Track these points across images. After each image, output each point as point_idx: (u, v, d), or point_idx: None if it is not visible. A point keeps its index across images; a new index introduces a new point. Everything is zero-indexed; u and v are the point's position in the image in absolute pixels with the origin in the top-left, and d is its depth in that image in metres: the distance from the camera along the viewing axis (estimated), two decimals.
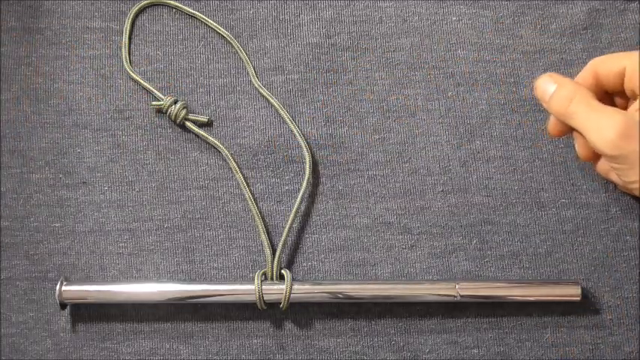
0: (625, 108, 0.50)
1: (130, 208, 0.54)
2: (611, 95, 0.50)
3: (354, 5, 0.57)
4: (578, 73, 0.50)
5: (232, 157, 0.54)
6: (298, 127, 0.55)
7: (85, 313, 0.52)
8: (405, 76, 0.56)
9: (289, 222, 0.52)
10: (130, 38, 0.57)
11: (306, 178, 0.53)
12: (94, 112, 0.56)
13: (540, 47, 0.56)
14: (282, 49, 0.57)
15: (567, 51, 0.56)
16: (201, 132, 0.55)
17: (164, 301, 0.51)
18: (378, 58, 0.56)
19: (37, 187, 0.54)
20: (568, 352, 0.51)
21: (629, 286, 0.52)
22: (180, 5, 0.58)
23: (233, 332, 0.52)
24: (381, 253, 0.53)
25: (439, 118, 0.55)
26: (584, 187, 0.54)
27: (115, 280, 0.53)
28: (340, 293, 0.51)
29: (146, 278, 0.53)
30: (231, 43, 0.57)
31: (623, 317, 0.52)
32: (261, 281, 0.51)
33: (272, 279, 0.52)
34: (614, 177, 0.50)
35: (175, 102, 0.55)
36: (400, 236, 0.53)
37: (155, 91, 0.55)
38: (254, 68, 0.56)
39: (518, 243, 0.53)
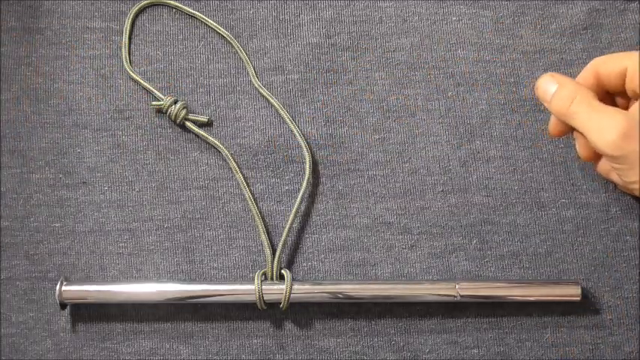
0: (626, 108, 0.49)
1: (130, 208, 0.54)
2: (612, 95, 0.50)
3: (354, 5, 0.57)
4: (578, 73, 0.50)
5: (232, 157, 0.54)
6: (298, 127, 0.55)
7: (85, 313, 0.52)
8: (405, 76, 0.56)
9: (289, 222, 0.52)
10: (130, 38, 0.57)
11: (306, 178, 0.53)
12: (94, 112, 0.56)
13: (540, 47, 0.56)
14: (282, 49, 0.57)
15: (567, 51, 0.56)
16: (201, 132, 0.55)
17: (164, 301, 0.51)
18: (378, 58, 0.56)
19: (37, 187, 0.54)
20: (568, 352, 0.51)
21: (629, 286, 0.52)
22: (180, 5, 0.58)
23: (233, 332, 0.52)
24: (381, 253, 0.53)
25: (439, 118, 0.55)
26: (584, 187, 0.54)
27: (115, 280, 0.53)
28: (340, 293, 0.51)
29: (146, 278, 0.53)
30: (231, 43, 0.57)
31: (623, 317, 0.52)
32: (261, 281, 0.51)
33: (272, 279, 0.52)
34: (614, 177, 0.50)
35: (175, 102, 0.55)
36: (400, 236, 0.53)
37: (155, 91, 0.55)
38: (254, 68, 0.56)
39: (518, 243, 0.53)
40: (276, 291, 0.50)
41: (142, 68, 0.57)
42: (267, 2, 0.58)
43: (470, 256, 0.53)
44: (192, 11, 0.57)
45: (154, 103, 0.55)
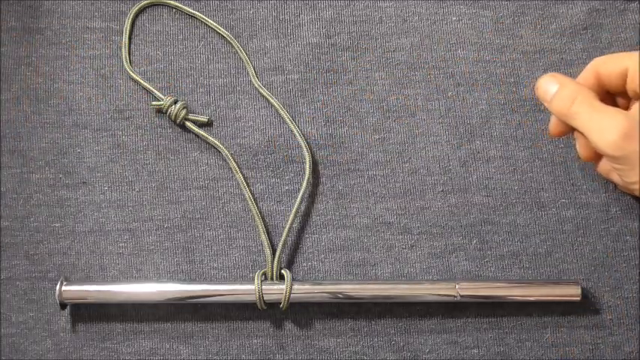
0: (626, 108, 0.49)
1: (130, 208, 0.54)
2: (612, 95, 0.50)
3: (354, 5, 0.57)
4: (578, 73, 0.50)
5: (232, 157, 0.54)
6: (298, 127, 0.55)
7: (85, 313, 0.52)
8: (405, 76, 0.56)
9: (289, 222, 0.52)
10: (130, 38, 0.57)
11: (306, 178, 0.53)
12: (94, 112, 0.56)
13: (540, 47, 0.56)
14: (282, 49, 0.57)
15: (567, 51, 0.56)
16: (201, 132, 0.55)
17: (164, 301, 0.51)
18: (378, 58, 0.56)
19: (37, 187, 0.54)
20: (568, 352, 0.51)
21: (629, 286, 0.52)
22: (180, 5, 0.58)
23: (233, 332, 0.52)
24: (381, 253, 0.53)
25: (439, 118, 0.55)
26: (584, 187, 0.54)
27: (115, 280, 0.53)
28: (340, 293, 0.51)
29: (146, 278, 0.53)
30: (231, 43, 0.57)
31: (623, 317, 0.52)
32: (261, 281, 0.51)
33: (272, 279, 0.52)
34: (615, 177, 0.50)
35: (175, 102, 0.55)
36: (400, 236, 0.53)
37: (155, 91, 0.55)
38: (254, 68, 0.56)
39: (518, 243, 0.53)
40: (276, 291, 0.50)
41: (142, 68, 0.57)
42: (267, 2, 0.58)
43: (470, 256, 0.53)
44: (192, 11, 0.57)
45: (154, 103, 0.55)
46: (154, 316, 0.52)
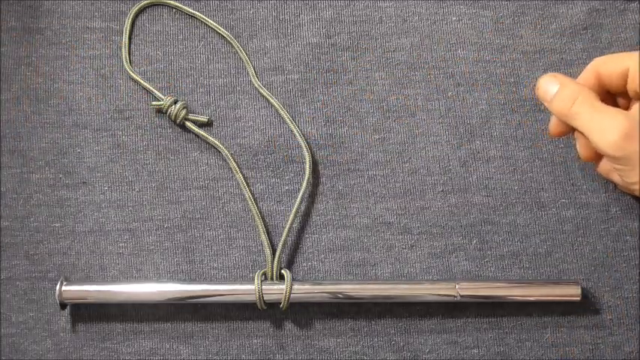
0: (627, 108, 0.49)
1: (130, 208, 0.54)
2: (613, 95, 0.50)
3: (354, 5, 0.57)
4: (578, 73, 0.50)
5: (232, 157, 0.54)
6: (298, 127, 0.55)
7: (85, 313, 0.52)
8: (405, 76, 0.56)
9: (289, 222, 0.52)
10: (130, 38, 0.57)
11: (306, 178, 0.53)
12: (94, 112, 0.56)
13: (540, 47, 0.56)
14: (282, 49, 0.57)
15: (567, 51, 0.56)
16: (201, 132, 0.55)
17: (164, 301, 0.51)
18: (378, 58, 0.56)
19: (37, 187, 0.54)
20: (568, 352, 0.51)
21: (629, 286, 0.52)
22: (180, 5, 0.58)
23: (233, 332, 0.52)
24: (381, 253, 0.53)
25: (439, 118, 0.55)
26: (584, 187, 0.54)
27: (115, 280, 0.53)
28: (340, 293, 0.51)
29: (146, 278, 0.53)
30: (231, 43, 0.57)
31: (623, 317, 0.52)
32: (261, 281, 0.51)
33: (272, 279, 0.52)
34: (615, 177, 0.50)
35: (175, 102, 0.55)
36: (400, 236, 0.53)
37: (155, 91, 0.55)
38: (254, 68, 0.56)
39: (518, 243, 0.53)
40: (276, 291, 0.50)
41: (142, 68, 0.57)
42: (267, 2, 0.58)
43: (470, 256, 0.53)
44: (192, 11, 0.57)
45: (154, 103, 0.55)
46: (154, 316, 0.52)
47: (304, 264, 0.53)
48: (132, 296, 0.51)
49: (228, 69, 0.57)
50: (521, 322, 0.52)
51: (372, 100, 0.56)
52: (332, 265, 0.53)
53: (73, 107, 0.56)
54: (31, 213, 0.54)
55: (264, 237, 0.52)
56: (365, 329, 0.52)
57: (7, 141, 0.55)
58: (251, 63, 0.56)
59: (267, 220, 0.54)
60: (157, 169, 0.55)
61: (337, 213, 0.54)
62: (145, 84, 0.56)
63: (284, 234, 0.52)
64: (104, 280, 0.53)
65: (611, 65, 0.48)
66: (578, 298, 0.50)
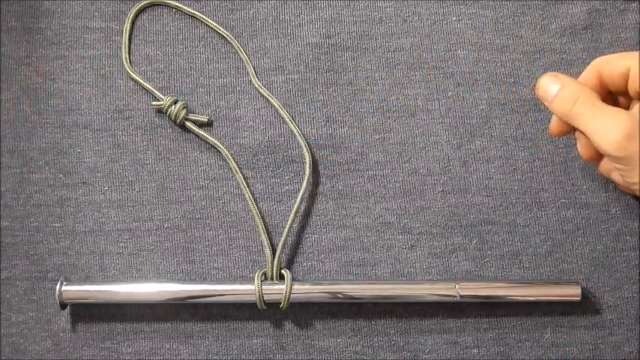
0: (627, 108, 0.49)
1: (130, 208, 0.54)
2: (613, 95, 0.50)
3: (354, 5, 0.57)
4: (578, 73, 0.50)
5: (232, 157, 0.54)
6: (298, 127, 0.55)
7: (85, 313, 0.52)
8: (405, 76, 0.56)
9: (289, 222, 0.52)
10: (130, 38, 0.57)
11: (306, 178, 0.53)
12: (94, 112, 0.56)
13: (540, 47, 0.56)
14: (282, 49, 0.57)
15: (567, 51, 0.56)
16: (201, 132, 0.55)
17: (164, 301, 0.51)
18: (378, 58, 0.56)
19: (37, 187, 0.54)
20: (568, 352, 0.51)
21: (629, 286, 0.52)
22: (180, 5, 0.58)
23: (233, 332, 0.52)
24: (381, 253, 0.53)
25: (439, 118, 0.55)
26: (584, 187, 0.54)
27: (115, 280, 0.53)
28: (340, 293, 0.51)
29: (146, 278, 0.53)
30: (231, 43, 0.57)
31: (623, 317, 0.52)
32: (261, 281, 0.51)
33: (272, 279, 0.52)
34: (616, 177, 0.50)
35: (175, 102, 0.55)
36: (400, 236, 0.53)
37: (155, 91, 0.55)
38: (254, 68, 0.56)
39: (518, 243, 0.53)
40: (276, 291, 0.50)
41: (142, 68, 0.57)
42: (267, 2, 0.58)
43: (470, 256, 0.53)
44: (192, 11, 0.57)
45: (154, 103, 0.55)
46: (154, 316, 0.52)
47: (304, 264, 0.53)
48: (132, 296, 0.51)
49: (228, 69, 0.57)
50: (521, 322, 0.52)
51: (372, 100, 0.56)
52: (332, 265, 0.53)
53: (73, 107, 0.56)
54: (31, 213, 0.54)
55: (264, 237, 0.52)
56: (365, 329, 0.52)
57: (7, 141, 0.55)
58: (251, 63, 0.56)
59: (267, 220, 0.54)
60: (156, 169, 0.55)
61: (337, 213, 0.54)
62: (145, 84, 0.56)
63: (284, 234, 0.52)
64: (104, 280, 0.53)
65: (612, 65, 0.48)
66: (578, 298, 0.50)
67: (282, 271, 0.52)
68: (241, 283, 0.51)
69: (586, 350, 0.51)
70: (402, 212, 0.54)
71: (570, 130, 0.50)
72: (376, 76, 0.56)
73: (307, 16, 0.57)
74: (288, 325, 0.52)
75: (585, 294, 0.52)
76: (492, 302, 0.51)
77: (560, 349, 0.51)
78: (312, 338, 0.52)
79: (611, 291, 0.52)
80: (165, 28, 0.57)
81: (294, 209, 0.53)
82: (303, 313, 0.52)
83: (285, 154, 0.55)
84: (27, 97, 0.56)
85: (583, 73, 0.49)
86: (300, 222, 0.54)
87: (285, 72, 0.56)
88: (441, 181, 0.54)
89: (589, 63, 0.49)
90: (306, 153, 0.54)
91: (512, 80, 0.56)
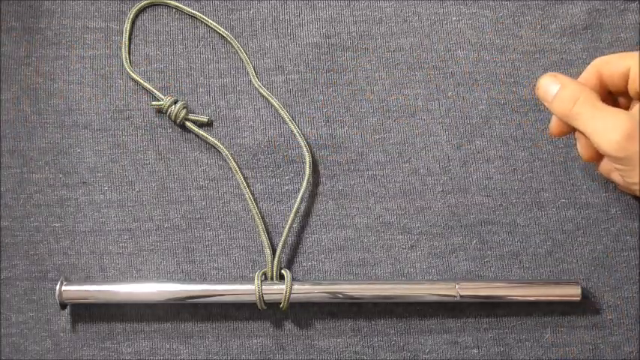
0: (627, 108, 0.49)
1: (130, 208, 0.54)
2: (613, 95, 0.50)
3: (354, 5, 0.57)
4: (578, 73, 0.50)
5: (232, 157, 0.54)
6: (298, 127, 0.55)
7: (85, 313, 0.52)
8: (405, 76, 0.56)
9: (289, 222, 0.52)
10: (130, 38, 0.57)
11: (306, 178, 0.53)
12: (94, 112, 0.56)
13: (540, 47, 0.56)
14: (282, 49, 0.57)
15: (567, 51, 0.56)
16: (201, 132, 0.55)
17: (164, 301, 0.51)
18: (378, 58, 0.56)
19: (37, 187, 0.54)
20: (568, 352, 0.51)
21: (629, 286, 0.52)
22: (180, 5, 0.58)
23: (233, 332, 0.52)
24: (381, 253, 0.53)
25: (439, 118, 0.55)
26: (584, 187, 0.54)
27: (115, 280, 0.53)
28: (340, 293, 0.51)
29: (146, 278, 0.53)
30: (231, 43, 0.57)
31: (623, 317, 0.52)
32: (261, 281, 0.51)
33: (272, 279, 0.52)
34: (616, 177, 0.50)
35: (175, 102, 0.55)
36: (400, 236, 0.53)
37: (155, 91, 0.55)
38: (254, 68, 0.56)
39: (518, 243, 0.53)
40: (276, 291, 0.50)
41: (142, 68, 0.57)
42: (267, 2, 0.58)
43: (470, 256, 0.53)
44: (192, 11, 0.57)
45: (154, 103, 0.55)
46: (154, 316, 0.52)
47: (304, 264, 0.53)
48: (132, 296, 0.51)
49: (228, 69, 0.57)
50: (521, 322, 0.52)
51: (372, 100, 0.56)
52: (332, 265, 0.53)
53: (73, 107, 0.56)
54: (31, 213, 0.54)
55: (264, 237, 0.52)
56: (365, 329, 0.52)
57: (7, 141, 0.55)
58: (251, 63, 0.56)
59: (267, 220, 0.54)
60: (157, 169, 0.55)
61: (337, 213, 0.54)
62: (145, 84, 0.56)
63: (284, 234, 0.52)
64: (104, 280, 0.53)
65: (612, 65, 0.48)
66: (578, 298, 0.50)
67: (282, 271, 0.52)
68: (241, 283, 0.51)
69: (586, 350, 0.51)
70: (402, 212, 0.54)
71: (570, 131, 0.50)
72: (376, 76, 0.56)
73: (307, 16, 0.57)
74: (288, 325, 0.52)
75: (585, 294, 0.52)
76: (492, 302, 0.51)
77: (560, 349, 0.51)
78: (312, 338, 0.52)
79: (611, 291, 0.52)
80: (165, 28, 0.57)
81: (294, 209, 0.53)
82: (303, 313, 0.52)
83: (285, 154, 0.55)
84: (27, 97, 0.56)
85: (583, 73, 0.49)
86: (300, 222, 0.54)
87: (285, 72, 0.56)
88: (441, 181, 0.54)
89: (589, 63, 0.49)
90: (306, 153, 0.54)
91: (512, 80, 0.56)
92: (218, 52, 0.57)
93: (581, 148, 0.50)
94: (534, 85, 0.50)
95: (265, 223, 0.53)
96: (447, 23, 0.57)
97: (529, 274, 0.53)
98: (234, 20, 0.57)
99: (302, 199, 0.53)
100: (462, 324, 0.52)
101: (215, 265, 0.53)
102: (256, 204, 0.54)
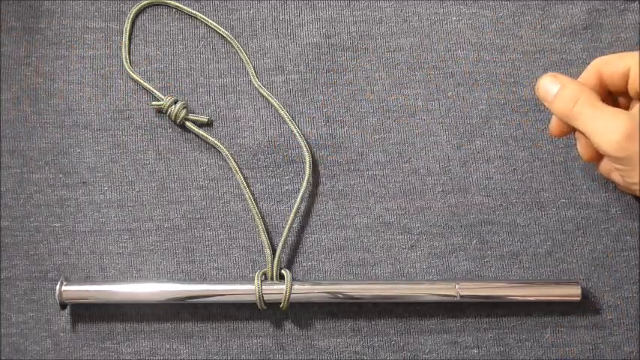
0: (627, 108, 0.49)
1: (130, 208, 0.54)
2: (613, 95, 0.50)
3: (354, 5, 0.57)
4: (578, 73, 0.50)
5: (232, 157, 0.54)
6: (298, 127, 0.55)
7: (85, 313, 0.52)
8: (405, 76, 0.56)
9: (289, 222, 0.52)
10: (130, 38, 0.57)
11: (306, 178, 0.53)
12: (94, 112, 0.56)
13: (540, 47, 0.56)
14: (282, 49, 0.57)
15: (567, 51, 0.56)
16: (201, 132, 0.55)
17: (164, 301, 0.51)
18: (378, 58, 0.56)
19: (37, 187, 0.54)
20: (568, 352, 0.51)
21: (629, 286, 0.52)
22: (180, 5, 0.58)
23: (233, 332, 0.52)
24: (381, 253, 0.53)
25: (439, 118, 0.55)
26: (584, 187, 0.54)
27: (115, 280, 0.53)
28: (340, 293, 0.51)
29: (146, 278, 0.53)
30: (231, 43, 0.57)
31: (623, 317, 0.52)
32: (261, 281, 0.51)
33: (272, 279, 0.52)
34: (616, 177, 0.50)
35: (175, 102, 0.55)
36: (400, 236, 0.53)
37: (155, 91, 0.55)
38: (254, 68, 0.56)
39: (518, 243, 0.53)
40: (276, 291, 0.50)
41: (142, 68, 0.57)
42: (267, 2, 0.58)
43: (470, 256, 0.53)
44: (192, 11, 0.57)
45: (154, 103, 0.55)
46: (154, 316, 0.52)
47: (304, 264, 0.53)
48: (132, 296, 0.51)
49: (228, 69, 0.57)
50: (521, 322, 0.52)
51: (372, 100, 0.56)
52: (332, 265, 0.53)
53: (73, 107, 0.56)
54: (31, 213, 0.54)
55: (264, 237, 0.52)
56: (365, 329, 0.52)
57: (7, 141, 0.55)
58: (251, 63, 0.56)
59: (267, 220, 0.54)
60: (157, 169, 0.55)
61: (337, 213, 0.54)
62: (145, 84, 0.56)
63: (284, 234, 0.52)
64: (104, 280, 0.53)
65: (612, 65, 0.48)
66: (578, 298, 0.50)
67: (282, 271, 0.52)
68: (241, 283, 0.51)
69: (586, 350, 0.51)
70: (402, 212, 0.54)
71: (570, 131, 0.50)
72: (376, 76, 0.56)
73: (307, 16, 0.57)
74: (288, 325, 0.52)
75: (585, 294, 0.52)
76: (492, 302, 0.51)
77: (560, 349, 0.51)
78: (312, 338, 0.52)
79: (611, 291, 0.52)
80: (165, 28, 0.57)
81: (294, 209, 0.53)
82: (303, 313, 0.52)
83: (285, 154, 0.55)
84: (27, 97, 0.56)
85: (583, 73, 0.49)
86: (300, 222, 0.54)
87: (285, 72, 0.56)
88: (441, 181, 0.54)
89: (589, 63, 0.49)
90: (306, 153, 0.54)
91: (512, 80, 0.56)
92: (218, 52, 0.57)
93: (581, 148, 0.50)
94: (534, 85, 0.50)
95: (265, 223, 0.53)
96: (447, 23, 0.57)
97: (529, 274, 0.53)
98: (234, 20, 0.57)
99: (302, 199, 0.53)
100: (462, 324, 0.52)
101: (215, 265, 0.53)
102: (256, 204, 0.54)
